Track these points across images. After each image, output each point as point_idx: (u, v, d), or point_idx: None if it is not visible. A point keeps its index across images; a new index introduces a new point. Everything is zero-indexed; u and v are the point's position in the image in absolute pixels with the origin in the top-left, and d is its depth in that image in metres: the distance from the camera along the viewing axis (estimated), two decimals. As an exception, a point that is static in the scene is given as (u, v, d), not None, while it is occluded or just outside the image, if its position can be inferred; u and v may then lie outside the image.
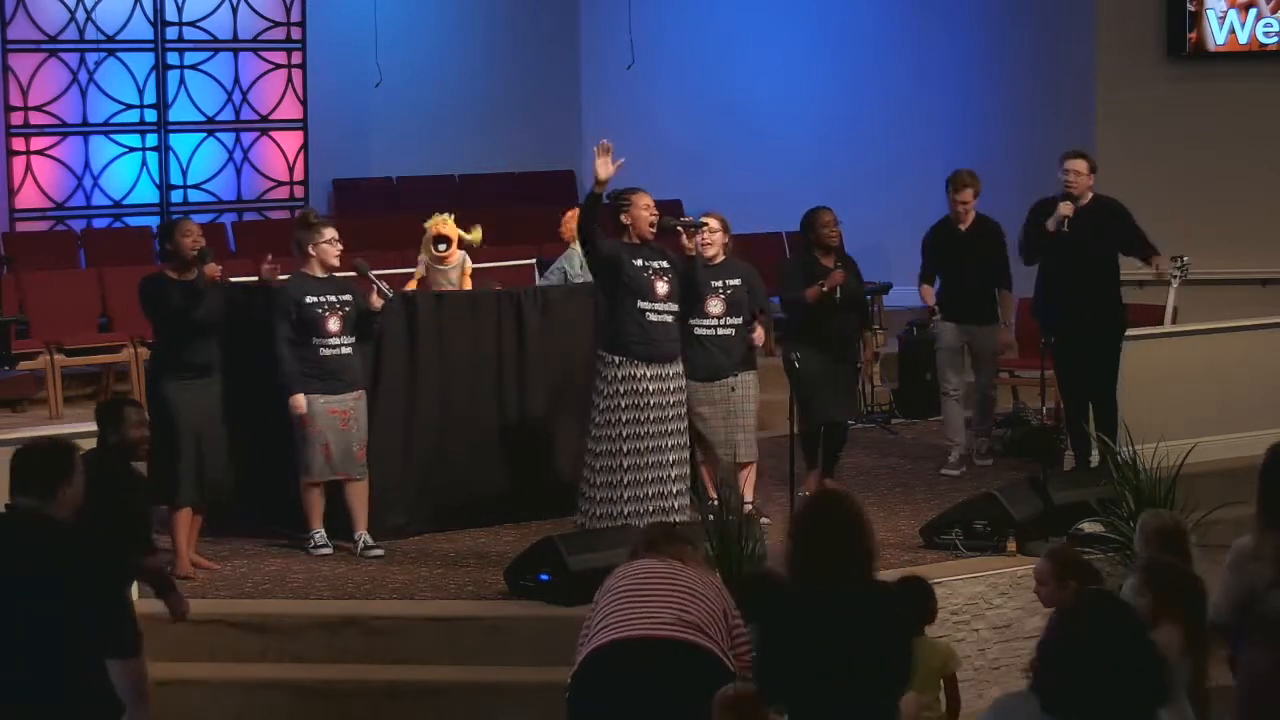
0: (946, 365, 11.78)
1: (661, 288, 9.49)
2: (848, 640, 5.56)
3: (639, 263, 9.49)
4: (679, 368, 9.64)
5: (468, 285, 11.07)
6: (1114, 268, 11.07)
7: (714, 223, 10.31)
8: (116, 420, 7.93)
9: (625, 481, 9.51)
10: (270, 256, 10.03)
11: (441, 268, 11.01)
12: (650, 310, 9.46)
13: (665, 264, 9.58)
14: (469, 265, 11.13)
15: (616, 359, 9.48)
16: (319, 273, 9.85)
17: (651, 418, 9.50)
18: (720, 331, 10.18)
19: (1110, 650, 4.38)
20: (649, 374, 9.47)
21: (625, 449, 9.48)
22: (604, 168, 9.28)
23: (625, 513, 9.49)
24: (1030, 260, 11.17)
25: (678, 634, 6.22)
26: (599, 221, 9.47)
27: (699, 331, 10.13)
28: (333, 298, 9.80)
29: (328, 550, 9.81)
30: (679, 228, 9.69)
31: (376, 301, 9.90)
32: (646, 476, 9.52)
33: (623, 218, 9.58)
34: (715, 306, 10.16)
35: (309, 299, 9.73)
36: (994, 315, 11.71)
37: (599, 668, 6.39)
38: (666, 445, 9.56)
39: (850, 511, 5.75)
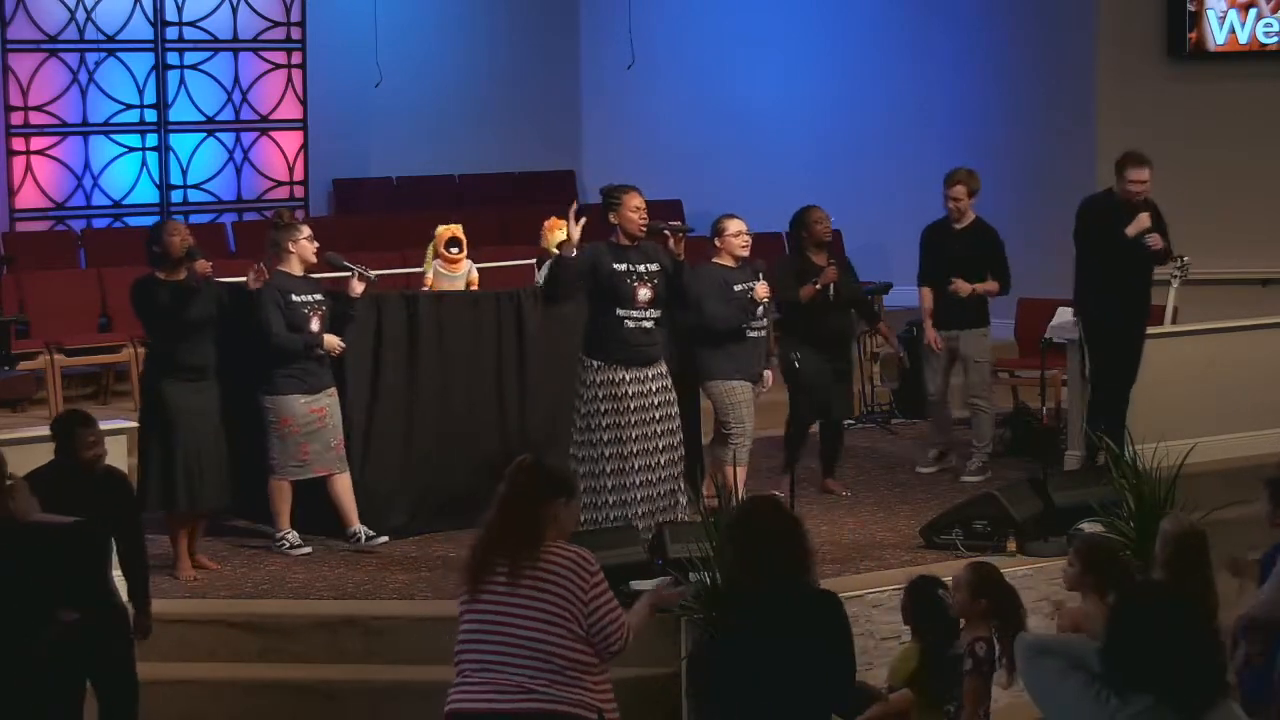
0: (928, 369, 11.66)
1: (643, 294, 9.46)
2: (781, 644, 5.58)
3: (621, 268, 9.44)
4: (661, 368, 9.63)
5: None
6: (1151, 266, 11.10)
7: (744, 225, 10.42)
8: (69, 440, 7.87)
9: (609, 486, 9.50)
10: (259, 265, 9.94)
11: (449, 274, 11.02)
12: (628, 317, 9.45)
13: (653, 267, 9.54)
14: (474, 274, 11.14)
15: (595, 363, 9.49)
16: (298, 271, 9.88)
17: (633, 421, 9.50)
18: (762, 333, 10.35)
19: (1171, 632, 4.44)
20: (628, 377, 9.46)
21: (607, 453, 9.49)
22: (575, 230, 9.36)
23: (611, 518, 9.51)
24: (1101, 258, 10.96)
25: (521, 705, 5.75)
26: (567, 285, 9.52)
27: (751, 334, 10.26)
28: (313, 297, 9.86)
29: (307, 550, 9.83)
30: (666, 231, 9.61)
31: (358, 286, 9.91)
32: (633, 480, 9.52)
33: (611, 217, 9.54)
34: (758, 308, 10.30)
35: (295, 297, 9.76)
36: (981, 319, 11.54)
37: None
38: (654, 448, 9.56)
39: (781, 516, 5.80)
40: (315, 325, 9.80)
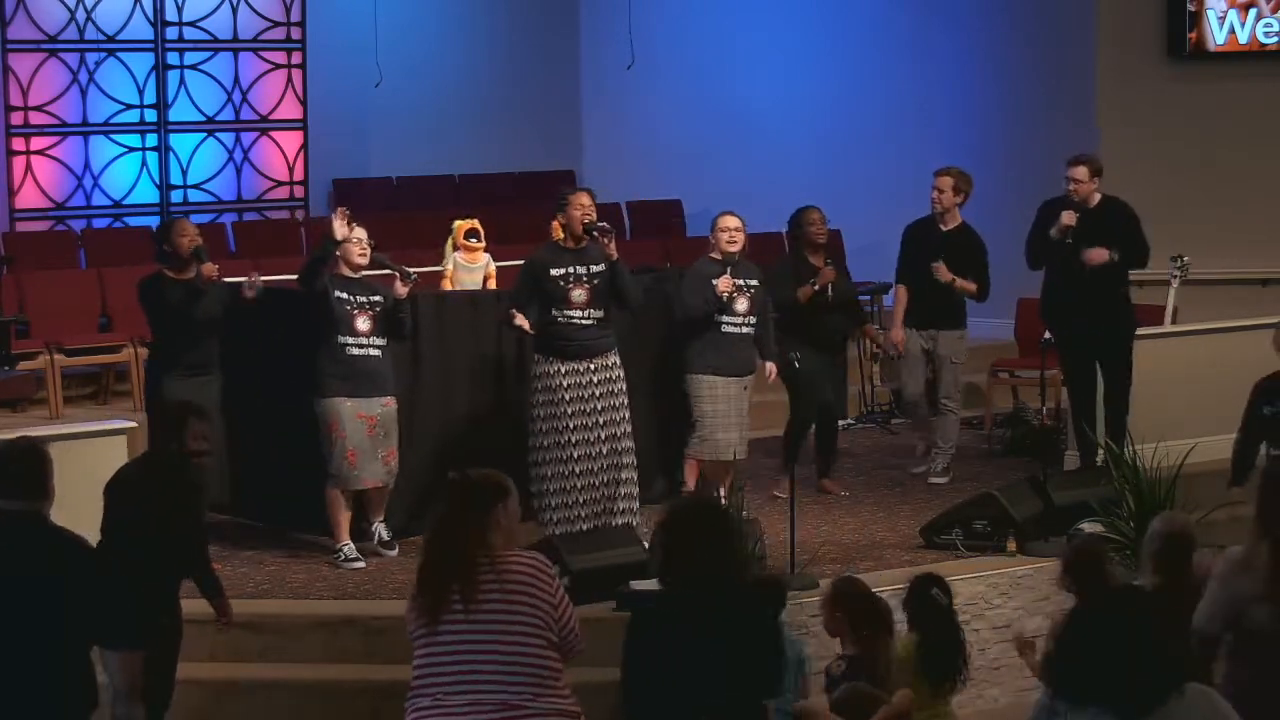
0: (904, 370, 11.62)
1: (578, 295, 9.64)
2: (710, 642, 5.55)
3: (558, 272, 9.64)
4: (605, 361, 9.74)
5: (493, 287, 11.15)
6: (1121, 270, 11.06)
7: (736, 221, 10.39)
8: (180, 428, 7.74)
9: (549, 474, 9.66)
10: (253, 275, 9.94)
11: (468, 265, 11.06)
12: (561, 316, 9.63)
13: (596, 268, 9.69)
14: (492, 267, 11.16)
15: (536, 357, 9.75)
16: (347, 273, 9.74)
17: (570, 412, 9.63)
18: (744, 330, 10.29)
19: (1122, 637, 4.45)
20: (563, 370, 9.62)
21: (546, 444, 9.66)
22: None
23: (555, 520, 9.63)
24: (1036, 265, 11.15)
25: None
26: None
27: (727, 329, 10.22)
28: (362, 297, 9.68)
29: (360, 564, 9.66)
30: (596, 232, 9.71)
31: (402, 289, 9.75)
32: (572, 469, 9.64)
33: (559, 217, 9.79)
34: (742, 304, 10.25)
35: (338, 293, 9.63)
36: (958, 321, 11.48)
37: None
38: (594, 439, 9.66)
39: (706, 516, 5.78)
40: (363, 324, 9.62)
